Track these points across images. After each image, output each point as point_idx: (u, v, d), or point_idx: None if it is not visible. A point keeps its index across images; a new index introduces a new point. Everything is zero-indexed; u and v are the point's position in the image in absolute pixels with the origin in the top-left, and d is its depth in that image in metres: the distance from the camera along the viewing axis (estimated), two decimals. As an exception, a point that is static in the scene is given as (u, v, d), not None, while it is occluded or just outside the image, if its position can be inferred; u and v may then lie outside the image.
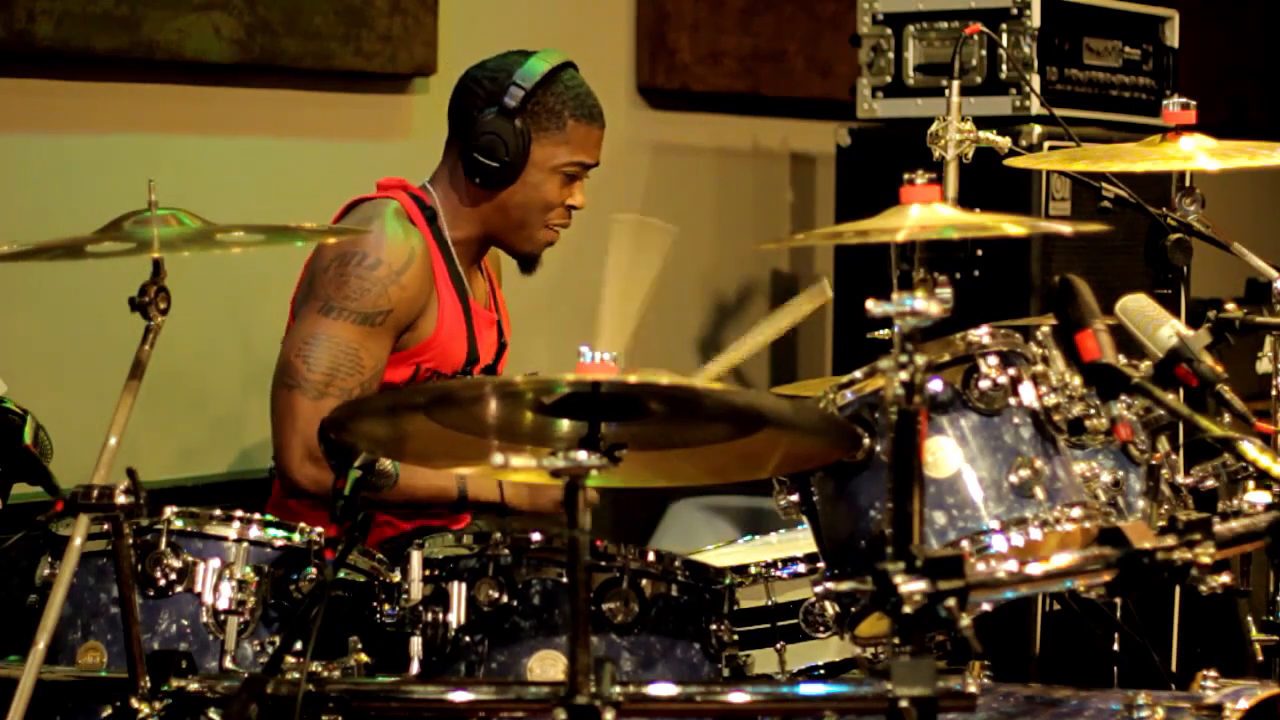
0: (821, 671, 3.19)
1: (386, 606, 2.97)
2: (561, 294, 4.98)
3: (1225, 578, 2.46)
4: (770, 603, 3.18)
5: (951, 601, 2.27)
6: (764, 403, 2.54)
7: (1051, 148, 4.58)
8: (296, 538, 3.01)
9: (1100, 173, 3.65)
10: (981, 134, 3.57)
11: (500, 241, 3.76)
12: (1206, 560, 2.40)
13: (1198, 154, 3.32)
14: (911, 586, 2.26)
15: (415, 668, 2.94)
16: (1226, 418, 2.76)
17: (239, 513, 3.01)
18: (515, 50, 3.73)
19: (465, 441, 2.49)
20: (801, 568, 3.19)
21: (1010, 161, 3.61)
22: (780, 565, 3.19)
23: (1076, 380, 2.81)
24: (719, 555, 3.41)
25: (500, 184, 3.68)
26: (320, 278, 3.58)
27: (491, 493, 3.59)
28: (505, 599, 3.00)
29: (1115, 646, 4.01)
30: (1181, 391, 2.76)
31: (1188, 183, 3.64)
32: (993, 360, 2.77)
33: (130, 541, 2.73)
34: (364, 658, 2.83)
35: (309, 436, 3.43)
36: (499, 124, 3.65)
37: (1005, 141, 3.63)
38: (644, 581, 3.03)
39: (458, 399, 2.47)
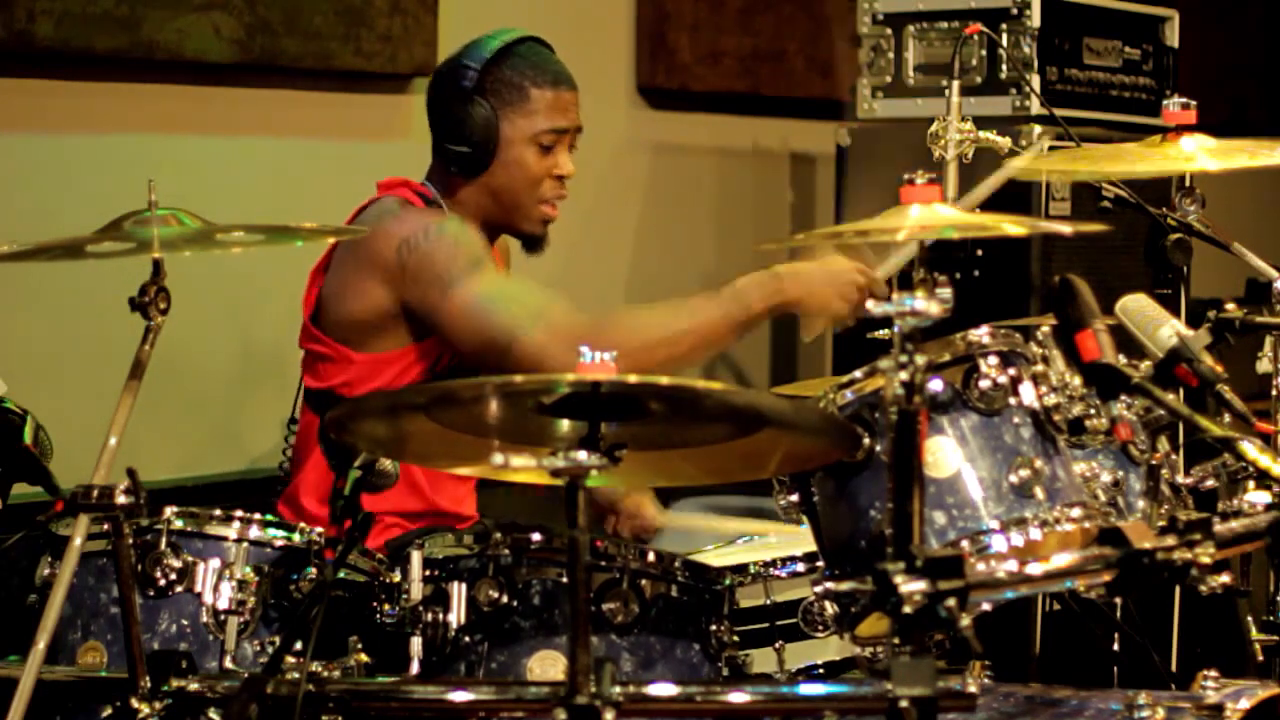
0: (821, 671, 3.19)
1: (386, 606, 2.97)
2: (562, 293, 4.98)
3: (1225, 578, 2.46)
4: (769, 602, 3.18)
5: (951, 601, 2.27)
6: (764, 402, 2.54)
7: (1051, 148, 4.58)
8: (296, 538, 3.01)
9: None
10: (981, 134, 3.57)
11: (501, 227, 3.72)
12: (1206, 560, 2.40)
13: (1198, 154, 3.31)
14: (911, 586, 2.26)
15: (415, 668, 2.94)
16: (1226, 418, 2.76)
17: (239, 513, 3.01)
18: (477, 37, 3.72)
19: (466, 441, 2.49)
20: (801, 567, 3.19)
21: (1013, 169, 3.58)
22: (779, 565, 3.19)
23: (1076, 380, 2.80)
24: (719, 555, 3.41)
25: (479, 168, 3.65)
26: (409, 279, 3.51)
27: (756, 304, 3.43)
28: (505, 599, 3.00)
29: (1115, 646, 4.01)
30: (1181, 391, 2.76)
31: (1188, 183, 3.63)
32: (993, 360, 2.77)
33: (130, 541, 2.73)
34: (364, 658, 2.83)
35: (568, 335, 3.34)
36: (461, 108, 3.63)
37: (1005, 141, 3.63)
38: (644, 582, 3.02)
39: (458, 399, 2.47)
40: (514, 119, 3.64)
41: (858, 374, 2.76)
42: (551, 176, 3.67)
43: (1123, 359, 2.71)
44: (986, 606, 2.63)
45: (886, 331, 2.42)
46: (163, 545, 2.95)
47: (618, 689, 2.30)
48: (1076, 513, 2.75)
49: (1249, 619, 3.23)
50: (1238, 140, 3.38)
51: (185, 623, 2.95)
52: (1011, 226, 2.64)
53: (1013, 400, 2.78)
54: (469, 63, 3.66)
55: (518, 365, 3.41)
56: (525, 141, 3.64)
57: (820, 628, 3.16)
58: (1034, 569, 2.42)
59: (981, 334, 2.80)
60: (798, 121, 5.75)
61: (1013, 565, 2.41)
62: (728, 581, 3.11)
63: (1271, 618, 3.21)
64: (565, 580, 3.00)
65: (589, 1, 5.25)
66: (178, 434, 4.31)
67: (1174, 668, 4.43)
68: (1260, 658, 3.19)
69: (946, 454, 2.73)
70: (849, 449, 2.70)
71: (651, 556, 3.06)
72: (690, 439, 2.50)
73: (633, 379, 2.33)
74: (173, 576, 2.95)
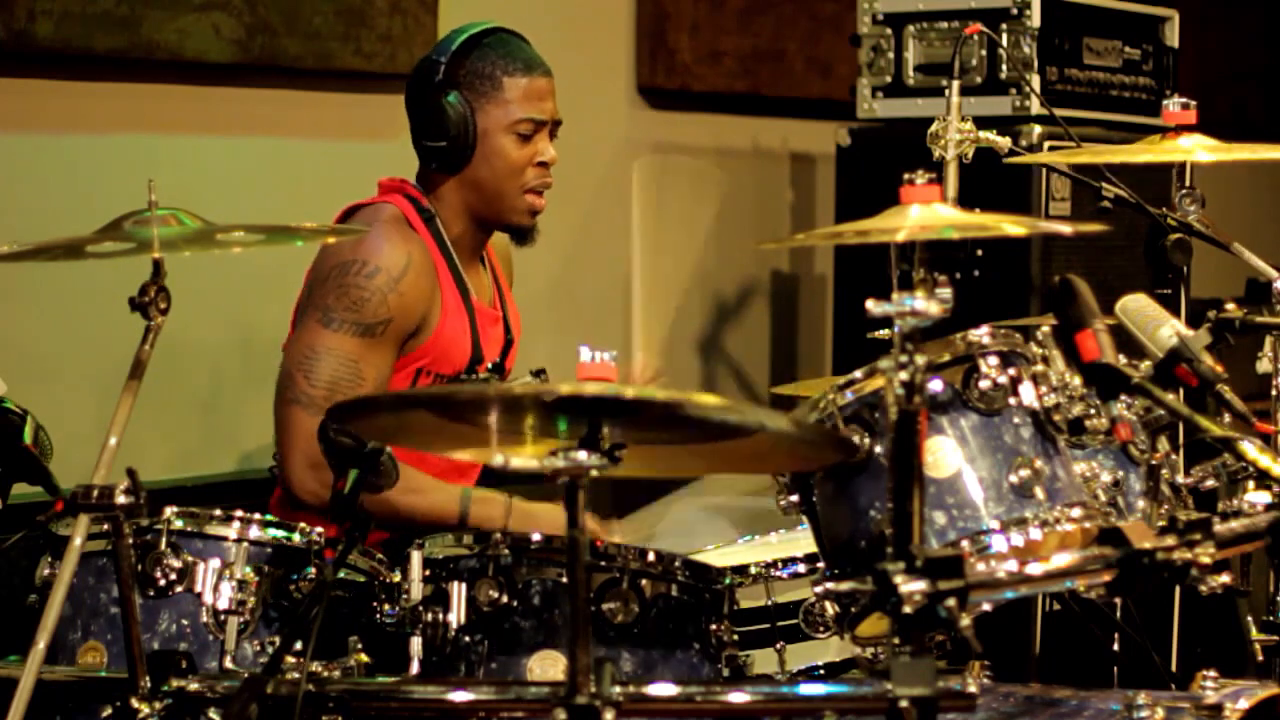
0: (821, 671, 3.19)
1: (386, 606, 2.97)
2: (562, 293, 4.99)
3: (1225, 578, 2.46)
4: (770, 603, 3.18)
5: (951, 601, 2.27)
6: (765, 419, 2.50)
7: (1051, 148, 4.58)
8: (296, 538, 3.01)
9: (1100, 172, 3.65)
10: (981, 134, 3.57)
11: (489, 221, 3.69)
12: (1206, 560, 2.40)
13: (1197, 151, 3.32)
14: (911, 586, 2.26)
15: (415, 668, 2.94)
16: (1226, 418, 2.76)
17: (239, 513, 3.01)
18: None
19: (466, 431, 2.47)
20: (801, 568, 3.19)
21: (1010, 160, 3.60)
22: (780, 565, 3.19)
23: (1076, 380, 2.81)
24: (719, 555, 3.41)
25: (459, 162, 3.63)
26: (320, 287, 3.54)
27: (494, 520, 3.48)
28: (505, 599, 3.00)
29: (1115, 646, 4.01)
30: (1181, 391, 2.76)
31: (1187, 178, 3.64)
32: (993, 360, 2.77)
33: (130, 541, 2.73)
34: (364, 658, 2.83)
35: (311, 452, 3.39)
36: (435, 103, 3.61)
37: (1005, 141, 3.63)
38: (644, 581, 3.03)
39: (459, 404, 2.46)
40: (488, 109, 3.61)
41: (858, 374, 2.76)
42: (534, 164, 3.64)
43: (1123, 359, 2.71)
44: (986, 606, 2.63)
45: (886, 331, 2.41)
46: (163, 545, 2.95)
47: (618, 689, 2.30)
48: (1076, 513, 2.75)
49: (1249, 619, 3.23)
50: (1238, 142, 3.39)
51: (185, 623, 2.96)
52: (1011, 226, 2.64)
53: (1013, 400, 2.78)
54: (437, 57, 3.64)
55: (277, 416, 3.52)
56: (502, 131, 3.61)
57: (821, 629, 3.16)
58: (1034, 569, 2.42)
59: (981, 334, 2.80)
60: (798, 121, 5.75)
61: (1013, 565, 2.41)
62: (728, 581, 3.11)
63: (1271, 618, 3.21)
64: (565, 580, 3.00)
65: (589, 1, 5.25)
66: (178, 434, 4.31)
67: (1174, 668, 4.43)
68: (1260, 658, 3.19)
69: (946, 454, 2.73)
70: (847, 457, 2.70)
71: (651, 556, 3.06)
72: (690, 439, 2.49)
73: (630, 393, 2.30)
74: (173, 576, 2.95)
